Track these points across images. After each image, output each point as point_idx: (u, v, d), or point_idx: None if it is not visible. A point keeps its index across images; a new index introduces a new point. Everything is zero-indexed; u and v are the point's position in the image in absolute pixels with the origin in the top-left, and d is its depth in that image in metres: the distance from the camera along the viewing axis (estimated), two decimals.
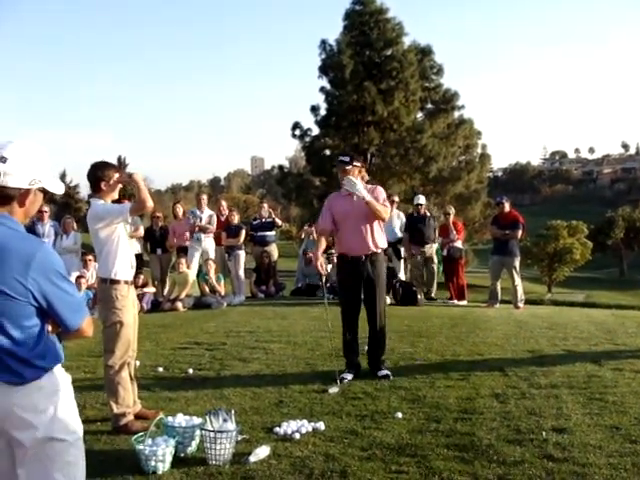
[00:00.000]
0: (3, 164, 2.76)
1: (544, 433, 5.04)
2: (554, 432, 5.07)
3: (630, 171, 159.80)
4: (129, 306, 5.59)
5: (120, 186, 5.67)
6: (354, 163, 7.01)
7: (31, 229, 12.48)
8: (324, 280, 7.76)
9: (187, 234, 14.13)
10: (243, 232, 14.69)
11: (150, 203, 5.49)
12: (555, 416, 5.46)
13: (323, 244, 7.57)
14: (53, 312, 2.78)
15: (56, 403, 2.83)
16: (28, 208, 2.89)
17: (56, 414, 2.82)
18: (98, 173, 5.54)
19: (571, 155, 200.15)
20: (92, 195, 5.65)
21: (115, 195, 5.67)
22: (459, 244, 14.46)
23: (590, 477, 4.23)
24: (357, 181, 6.86)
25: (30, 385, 2.76)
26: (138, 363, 6.95)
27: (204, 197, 15.09)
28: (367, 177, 7.22)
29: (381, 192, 7.10)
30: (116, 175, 5.56)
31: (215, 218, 14.48)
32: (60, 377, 2.89)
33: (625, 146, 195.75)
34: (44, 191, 2.93)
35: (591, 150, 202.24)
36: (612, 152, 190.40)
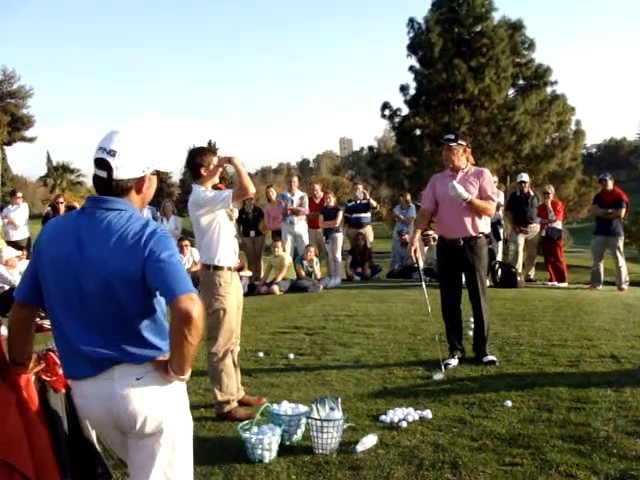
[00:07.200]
0: (113, 157, 2.75)
1: None
2: None
3: None
4: (232, 292, 5.56)
5: (220, 170, 5.63)
6: (459, 142, 6.84)
7: None
8: (420, 264, 7.58)
9: (281, 217, 14.18)
10: (340, 214, 14.66)
11: (252, 189, 5.44)
12: None
13: (423, 225, 7.39)
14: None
15: (169, 390, 2.81)
16: (145, 194, 2.89)
17: (170, 402, 2.81)
18: (197, 159, 5.52)
19: None
20: (193, 181, 5.62)
21: (216, 180, 5.63)
22: (558, 225, 14.03)
23: None
24: (457, 185, 6.67)
25: (147, 369, 2.75)
26: (239, 348, 6.96)
27: (295, 179, 15.14)
28: (472, 159, 6.99)
29: (487, 177, 6.89)
30: (215, 159, 5.52)
31: (307, 199, 14.50)
32: None
33: None
34: (158, 172, 2.90)
35: None
36: None
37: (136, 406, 2.72)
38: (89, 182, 68.24)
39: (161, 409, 2.76)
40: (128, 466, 2.94)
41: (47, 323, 3.31)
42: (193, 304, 2.58)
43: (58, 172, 66.57)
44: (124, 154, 2.75)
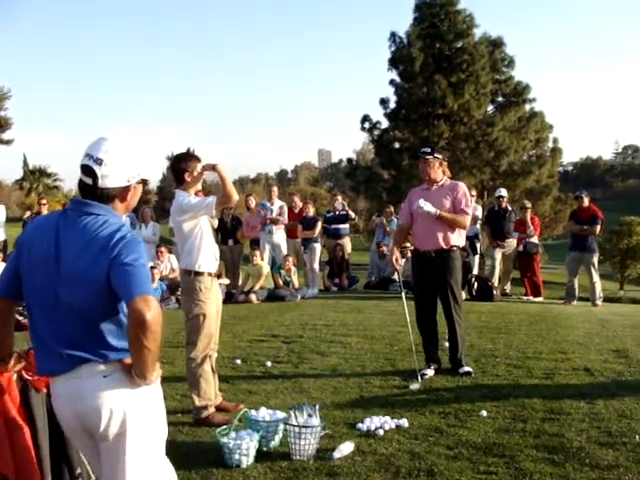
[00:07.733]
0: (100, 166, 2.78)
1: (637, 437, 4.87)
2: None
3: None
4: (212, 298, 5.58)
5: (204, 176, 5.65)
6: (435, 155, 6.95)
7: None
8: (399, 274, 7.70)
9: (259, 226, 14.20)
10: (319, 224, 14.69)
11: (236, 196, 5.46)
12: None
13: (401, 239, 7.51)
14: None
15: (137, 390, 2.81)
16: (129, 202, 2.93)
17: (136, 401, 2.81)
18: (182, 165, 5.52)
19: None
20: (177, 187, 5.62)
21: (199, 186, 5.65)
22: (535, 239, 14.17)
23: None
24: (422, 203, 6.76)
25: (115, 368, 2.76)
26: (216, 355, 6.97)
27: (274, 189, 15.16)
28: (449, 173, 7.09)
29: (462, 190, 6.97)
30: (199, 166, 5.53)
31: (286, 209, 14.53)
32: None
33: None
34: (143, 181, 2.93)
35: None
36: None
37: (102, 402, 2.73)
38: (66, 187, 67.74)
39: (126, 407, 2.76)
40: (99, 474, 2.94)
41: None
42: (147, 306, 2.55)
43: (35, 176, 65.90)
44: (110, 163, 2.78)
